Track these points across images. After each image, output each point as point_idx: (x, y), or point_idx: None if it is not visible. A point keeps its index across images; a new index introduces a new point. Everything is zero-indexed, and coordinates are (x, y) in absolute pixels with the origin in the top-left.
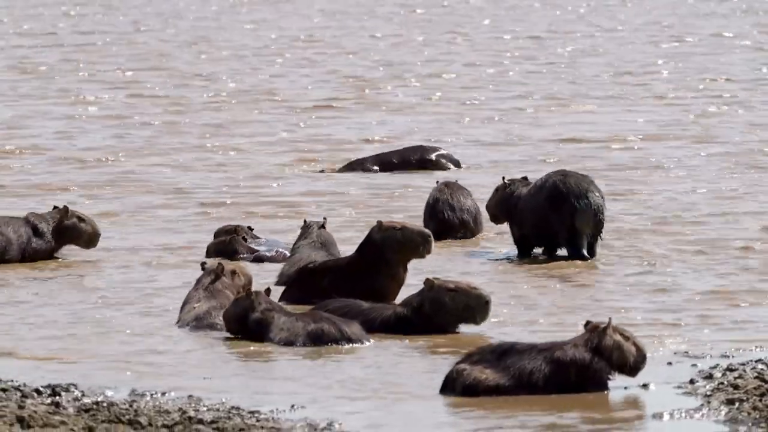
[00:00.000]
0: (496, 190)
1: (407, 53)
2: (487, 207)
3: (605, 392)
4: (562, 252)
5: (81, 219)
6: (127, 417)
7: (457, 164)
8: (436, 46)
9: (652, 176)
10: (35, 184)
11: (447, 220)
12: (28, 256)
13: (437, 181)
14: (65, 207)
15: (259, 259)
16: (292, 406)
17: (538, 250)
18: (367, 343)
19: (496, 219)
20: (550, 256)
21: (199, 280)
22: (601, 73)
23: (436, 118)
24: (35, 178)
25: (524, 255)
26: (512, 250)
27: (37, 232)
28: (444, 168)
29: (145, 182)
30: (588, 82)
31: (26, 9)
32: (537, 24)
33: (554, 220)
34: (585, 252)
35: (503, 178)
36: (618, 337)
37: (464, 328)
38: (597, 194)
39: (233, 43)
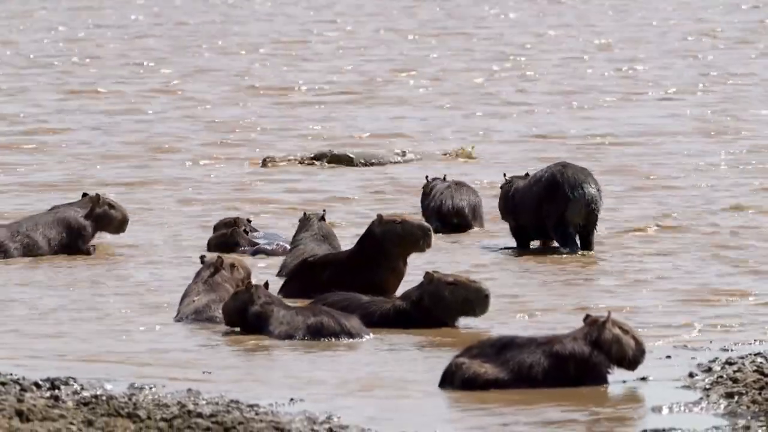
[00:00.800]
0: (501, 188)
1: (425, 48)
2: (498, 206)
3: (604, 386)
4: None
5: (111, 206)
6: (126, 410)
7: (403, 156)
8: (455, 41)
9: (671, 172)
10: (54, 181)
11: (443, 211)
12: (62, 249)
13: (426, 176)
14: (97, 195)
15: (259, 252)
16: (291, 399)
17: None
18: (367, 337)
19: (504, 217)
20: (548, 248)
21: (198, 274)
22: (620, 68)
23: (453, 113)
24: (54, 175)
25: (522, 246)
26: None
27: (69, 225)
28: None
29: (161, 179)
30: (606, 78)
31: (41, 3)
32: (556, 19)
33: (548, 208)
34: (573, 242)
35: (504, 174)
36: (617, 331)
37: (463, 322)
38: (592, 186)
39: (247, 37)
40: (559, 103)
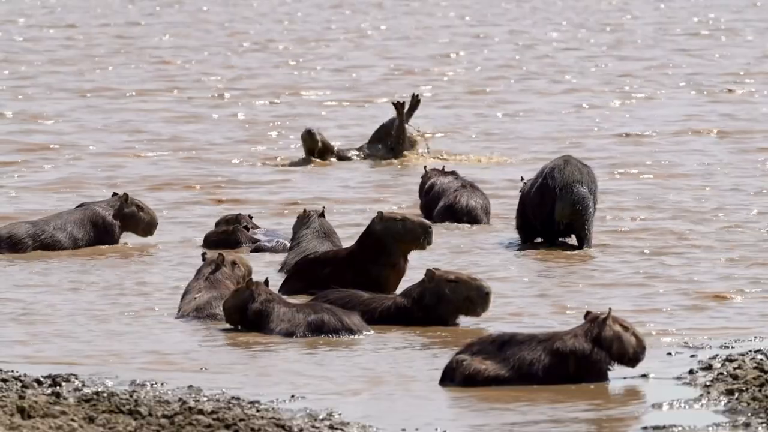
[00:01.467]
0: (520, 191)
1: (442, 46)
2: None
3: (605, 383)
4: (567, 241)
5: (140, 207)
6: (127, 407)
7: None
8: (476, 39)
9: (681, 170)
10: (68, 180)
11: (456, 208)
12: (87, 245)
13: (425, 167)
14: (125, 194)
15: (259, 249)
16: (292, 396)
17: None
18: (367, 334)
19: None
20: (552, 244)
21: (199, 271)
22: (640, 67)
23: (475, 111)
24: (67, 175)
25: (525, 242)
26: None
27: (96, 223)
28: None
29: (173, 178)
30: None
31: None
32: (572, 17)
33: (540, 203)
34: (556, 238)
35: (521, 178)
36: (618, 328)
37: (464, 320)
38: (584, 186)
39: (262, 37)
40: (576, 102)
